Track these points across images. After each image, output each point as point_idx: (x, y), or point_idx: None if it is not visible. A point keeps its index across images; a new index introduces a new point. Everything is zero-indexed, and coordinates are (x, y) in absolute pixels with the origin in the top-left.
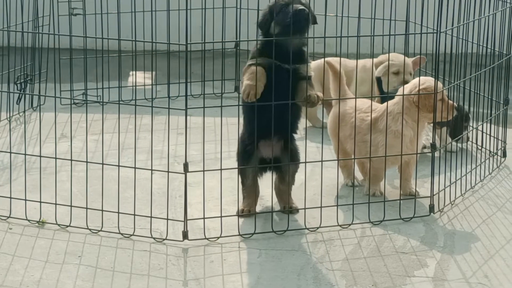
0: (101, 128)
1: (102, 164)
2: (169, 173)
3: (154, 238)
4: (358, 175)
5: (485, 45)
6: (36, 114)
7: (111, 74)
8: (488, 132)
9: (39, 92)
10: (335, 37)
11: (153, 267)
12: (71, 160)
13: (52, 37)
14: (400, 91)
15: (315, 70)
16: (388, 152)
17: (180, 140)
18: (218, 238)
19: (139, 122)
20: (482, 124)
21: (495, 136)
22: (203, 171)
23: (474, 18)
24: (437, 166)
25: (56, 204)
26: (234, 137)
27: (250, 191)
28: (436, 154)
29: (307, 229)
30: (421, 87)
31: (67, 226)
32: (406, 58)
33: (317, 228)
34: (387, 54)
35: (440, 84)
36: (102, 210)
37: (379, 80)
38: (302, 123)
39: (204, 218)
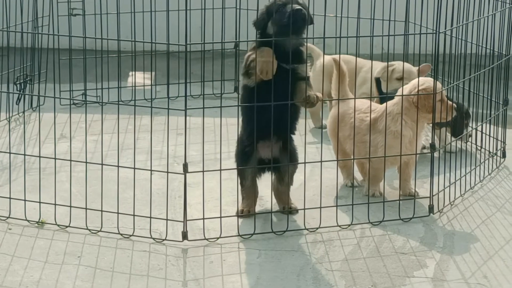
0: (101, 128)
1: (102, 164)
2: (169, 174)
3: (153, 239)
4: (358, 175)
5: (484, 45)
6: (35, 114)
7: (110, 75)
8: (488, 133)
9: (39, 93)
10: (334, 37)
11: (153, 268)
12: (71, 160)
13: (52, 37)
14: (399, 92)
15: (326, 66)
16: (388, 153)
17: (179, 140)
18: (217, 238)
19: (139, 123)
20: (482, 125)
21: (495, 137)
22: (203, 171)
23: (473, 18)
24: (436, 166)
25: (55, 204)
26: (234, 138)
27: (249, 191)
28: (436, 154)
29: (307, 229)
30: (420, 88)
31: (67, 227)
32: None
33: (317, 228)
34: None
35: (439, 85)
36: (102, 211)
37: (378, 81)
38: (301, 123)
39: (203, 218)
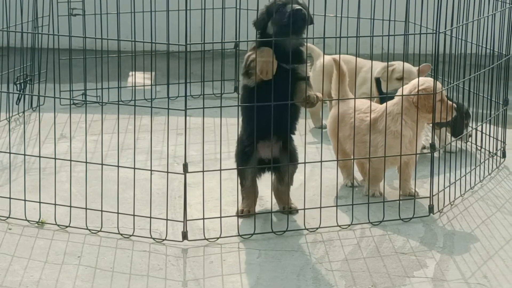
0: (101, 128)
1: (102, 164)
2: (169, 174)
3: (153, 239)
4: (358, 175)
5: (484, 45)
6: (35, 114)
7: (110, 75)
8: (488, 133)
9: (39, 93)
10: (334, 37)
11: (153, 268)
12: (71, 160)
13: (52, 37)
14: (399, 92)
15: (326, 66)
16: (388, 153)
17: (179, 140)
18: (217, 238)
19: (139, 123)
20: (482, 125)
21: (495, 137)
22: (203, 171)
23: (473, 18)
24: (436, 166)
25: (55, 204)
26: (234, 138)
27: (249, 191)
28: (436, 154)
29: (307, 229)
30: (420, 88)
31: (67, 227)
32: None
33: (317, 228)
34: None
35: (439, 85)
36: (102, 211)
37: (378, 81)
38: (301, 123)
39: (203, 218)
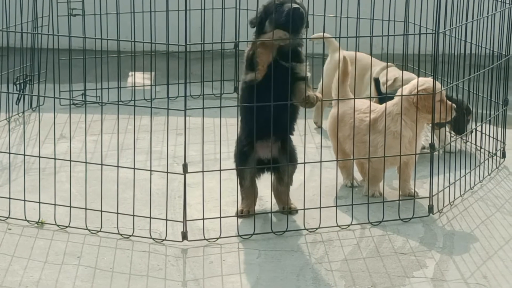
0: (100, 128)
1: (101, 164)
2: (168, 174)
3: (153, 239)
4: (358, 175)
5: (484, 45)
6: (35, 114)
7: (110, 75)
8: (488, 133)
9: (38, 93)
10: (334, 37)
11: (152, 268)
12: (70, 160)
13: (52, 37)
14: (399, 92)
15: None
16: (387, 153)
17: (179, 140)
18: (217, 238)
19: (138, 123)
20: (482, 125)
21: (495, 137)
22: (202, 171)
23: (473, 18)
24: (436, 166)
25: (55, 204)
26: (233, 138)
27: (249, 192)
28: (435, 154)
29: (306, 229)
30: (420, 88)
31: (66, 227)
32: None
33: (316, 228)
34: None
35: (439, 85)
36: (101, 211)
37: (377, 81)
38: (301, 123)
39: (203, 218)
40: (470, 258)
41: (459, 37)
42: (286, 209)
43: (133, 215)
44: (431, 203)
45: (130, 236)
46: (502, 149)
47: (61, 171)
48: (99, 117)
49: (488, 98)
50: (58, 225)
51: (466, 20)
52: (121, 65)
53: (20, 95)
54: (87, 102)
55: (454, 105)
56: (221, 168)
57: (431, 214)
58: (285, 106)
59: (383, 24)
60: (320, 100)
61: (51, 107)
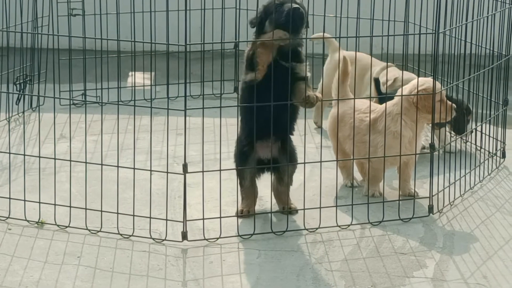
0: (100, 128)
1: (101, 164)
2: (168, 174)
3: (153, 239)
4: (358, 175)
5: (484, 45)
6: (35, 114)
7: (110, 75)
8: (487, 133)
9: (38, 93)
10: (334, 37)
11: (152, 268)
12: (70, 160)
13: (52, 37)
14: (399, 92)
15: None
16: (387, 153)
17: (179, 140)
18: (217, 238)
19: (138, 123)
20: (482, 125)
21: (494, 137)
22: (202, 171)
23: (473, 18)
24: (436, 166)
25: (55, 204)
26: (233, 138)
27: (249, 192)
28: (435, 154)
29: (306, 229)
30: (420, 88)
31: (66, 227)
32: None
33: (316, 228)
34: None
35: (439, 85)
36: (101, 211)
37: (377, 81)
38: (301, 123)
39: (203, 218)
40: (470, 258)
41: (459, 37)
42: (286, 209)
43: (133, 215)
44: (431, 203)
45: (130, 236)
46: (502, 149)
47: (61, 171)
48: (99, 117)
49: (488, 98)
50: (58, 225)
51: (466, 20)
52: (121, 65)
53: (20, 95)
54: (87, 102)
55: (454, 105)
56: (221, 168)
57: (431, 214)
58: (285, 106)
59: (383, 24)
60: (320, 100)
61: (51, 107)
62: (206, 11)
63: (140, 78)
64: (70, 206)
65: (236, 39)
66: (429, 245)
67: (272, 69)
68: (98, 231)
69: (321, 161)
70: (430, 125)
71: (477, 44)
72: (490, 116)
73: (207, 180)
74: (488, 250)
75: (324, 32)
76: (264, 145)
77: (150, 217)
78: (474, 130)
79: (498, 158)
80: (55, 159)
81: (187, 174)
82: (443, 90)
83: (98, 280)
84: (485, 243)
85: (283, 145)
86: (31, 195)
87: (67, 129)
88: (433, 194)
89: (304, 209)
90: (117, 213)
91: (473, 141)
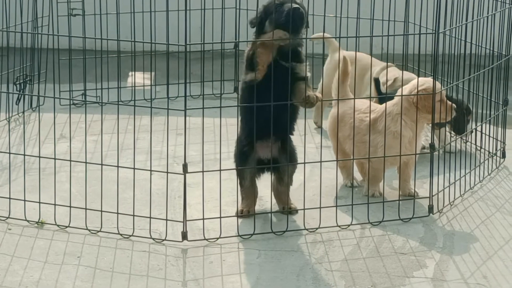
0: (100, 128)
1: (101, 164)
2: (168, 174)
3: (153, 239)
4: (358, 175)
5: (484, 45)
6: (35, 114)
7: (110, 75)
8: (487, 133)
9: (38, 93)
10: (334, 37)
11: (152, 268)
12: (70, 160)
13: (52, 37)
14: (399, 92)
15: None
16: (387, 153)
17: (179, 140)
18: (217, 238)
19: (138, 123)
20: (482, 125)
21: (494, 137)
22: (202, 171)
23: (473, 18)
24: (436, 166)
25: (55, 204)
26: (233, 138)
27: (249, 192)
28: (435, 154)
29: (306, 229)
30: (420, 88)
31: (66, 227)
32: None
33: (316, 228)
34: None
35: (439, 85)
36: (101, 211)
37: (377, 81)
38: (301, 123)
39: (203, 218)
40: (470, 258)
41: (459, 37)
42: (286, 209)
43: (133, 215)
44: (431, 203)
45: (130, 236)
46: (502, 149)
47: (61, 171)
48: (99, 117)
49: (488, 98)
50: (58, 225)
51: (466, 20)
52: (121, 65)
53: (20, 95)
54: (87, 102)
55: (454, 105)
56: (221, 168)
57: (431, 214)
58: (285, 106)
59: (383, 24)
60: (320, 100)
61: (51, 107)
62: (206, 11)
63: (140, 78)
64: (70, 206)
65: (236, 39)
66: (429, 245)
67: (272, 69)
68: (98, 231)
69: (321, 161)
70: (430, 125)
71: (477, 44)
72: (490, 116)
73: (207, 180)
74: (488, 250)
75: (324, 32)
76: (264, 145)
77: (150, 217)
78: (474, 130)
79: (498, 158)
80: (55, 159)
81: (187, 174)
82: (443, 90)
83: (98, 280)
84: (485, 243)
85: (283, 145)
86: (31, 195)
87: (67, 129)
88: (433, 194)
89: (304, 209)
90: (117, 213)
91: (473, 141)
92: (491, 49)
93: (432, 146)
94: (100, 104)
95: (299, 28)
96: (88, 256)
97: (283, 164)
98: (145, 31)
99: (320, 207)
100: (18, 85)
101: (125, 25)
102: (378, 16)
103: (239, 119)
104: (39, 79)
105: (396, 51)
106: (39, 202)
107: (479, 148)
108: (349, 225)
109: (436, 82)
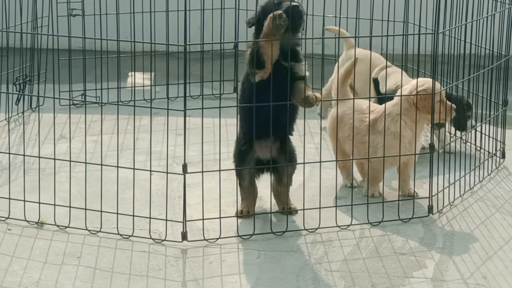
0: (100, 129)
1: (101, 165)
2: (168, 174)
3: (153, 239)
4: (357, 176)
5: (483, 46)
6: (35, 115)
7: (110, 75)
8: (487, 133)
9: (38, 93)
10: (333, 38)
11: (152, 268)
12: (70, 161)
13: (51, 38)
14: (398, 92)
15: (360, 62)
16: (387, 153)
17: (179, 141)
18: (217, 239)
19: (138, 123)
20: (481, 125)
21: (494, 137)
22: (202, 172)
23: (472, 19)
24: (435, 167)
25: (55, 205)
26: (233, 138)
27: (248, 192)
28: (435, 155)
29: (306, 230)
30: (420, 88)
31: (66, 227)
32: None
33: (316, 229)
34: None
35: (438, 85)
36: (101, 211)
37: (376, 81)
38: (300, 123)
39: (203, 219)
40: (470, 258)
41: (459, 37)
42: (286, 210)
43: (133, 216)
44: (430, 204)
45: (130, 236)
46: (502, 150)
47: (61, 171)
48: (99, 117)
49: (488, 98)
50: (58, 226)
51: (466, 20)
52: (121, 65)
53: (20, 95)
54: (87, 102)
55: (453, 105)
56: (221, 169)
57: (430, 215)
58: (285, 106)
59: (383, 24)
60: (319, 100)
61: (51, 107)
62: (206, 11)
63: (140, 79)
64: (70, 207)
65: (235, 40)
66: (428, 245)
67: (272, 69)
68: (98, 232)
69: (320, 161)
70: (430, 125)
71: (477, 44)
72: (490, 116)
73: (207, 180)
74: (488, 250)
75: (323, 32)
76: (264, 145)
77: (150, 218)
78: (475, 126)
79: (497, 159)
80: (55, 159)
81: (186, 175)
82: (442, 90)
83: (98, 280)
84: (484, 244)
85: (282, 145)
86: (31, 196)
87: (67, 129)
88: (433, 194)
89: (303, 209)
90: (117, 213)
91: (473, 141)
92: (491, 49)
93: (431, 146)
94: (100, 104)
95: (299, 26)
96: (88, 257)
97: (282, 165)
98: (145, 32)
99: (319, 208)
100: (18, 85)
101: (125, 25)
102: (378, 16)
103: (238, 119)
104: (39, 79)
105: (396, 51)
106: (39, 203)
107: (478, 149)
108: (348, 226)
109: (436, 82)
